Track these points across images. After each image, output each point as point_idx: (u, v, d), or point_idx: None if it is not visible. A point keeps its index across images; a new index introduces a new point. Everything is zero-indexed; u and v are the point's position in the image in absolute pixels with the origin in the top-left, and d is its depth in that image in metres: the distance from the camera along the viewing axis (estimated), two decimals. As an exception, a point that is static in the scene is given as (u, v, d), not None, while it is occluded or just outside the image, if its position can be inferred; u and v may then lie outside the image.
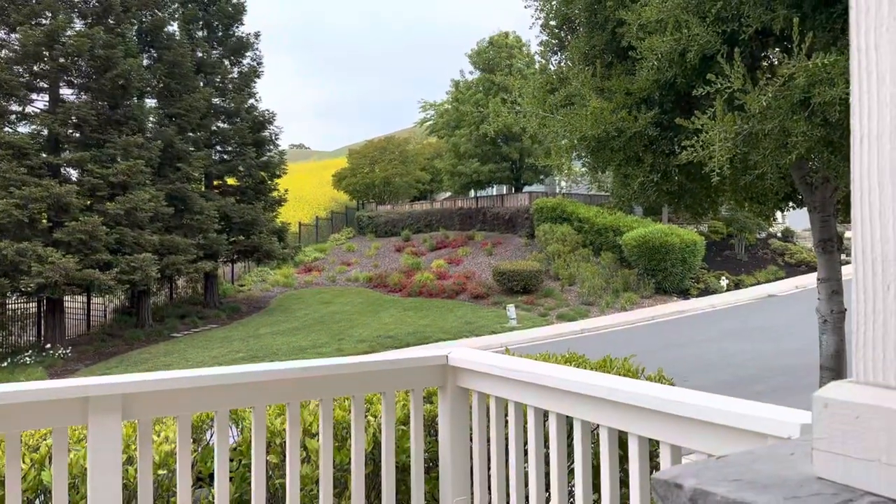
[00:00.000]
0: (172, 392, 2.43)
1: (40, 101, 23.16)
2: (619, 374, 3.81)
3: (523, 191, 36.40)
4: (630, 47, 5.74)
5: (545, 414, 2.55)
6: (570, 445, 2.64)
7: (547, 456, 2.54)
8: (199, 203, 25.76)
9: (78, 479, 2.66)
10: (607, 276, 26.47)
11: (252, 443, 2.57)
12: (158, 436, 3.03)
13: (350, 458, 2.89)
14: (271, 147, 31.08)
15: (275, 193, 31.10)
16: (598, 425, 2.32)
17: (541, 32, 6.64)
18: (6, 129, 21.56)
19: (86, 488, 2.34)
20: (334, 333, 22.58)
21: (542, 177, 36.99)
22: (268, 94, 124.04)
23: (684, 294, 25.90)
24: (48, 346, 21.49)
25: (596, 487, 2.36)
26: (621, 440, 2.29)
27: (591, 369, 3.88)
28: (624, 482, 2.42)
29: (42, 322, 23.28)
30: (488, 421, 2.86)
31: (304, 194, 49.63)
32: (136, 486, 2.47)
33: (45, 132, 22.44)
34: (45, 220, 20.20)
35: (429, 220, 39.02)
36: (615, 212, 29.66)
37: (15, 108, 22.65)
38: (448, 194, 44.25)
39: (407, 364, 2.97)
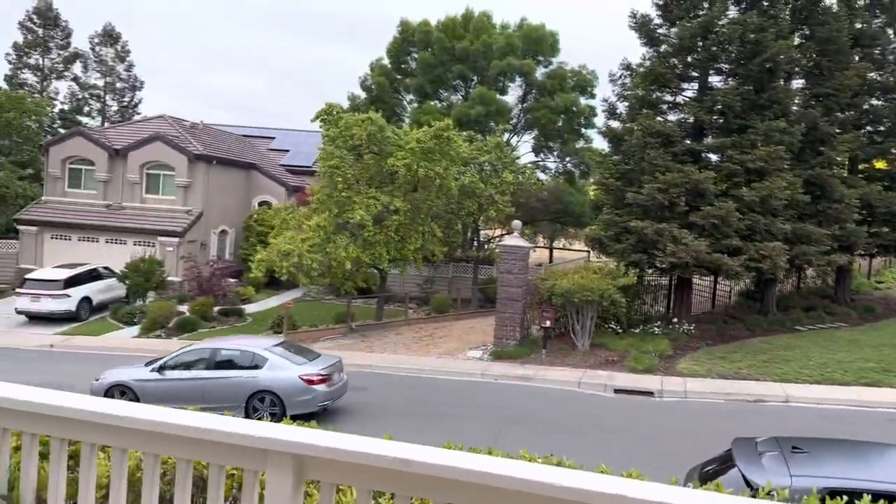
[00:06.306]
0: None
1: (689, 90, 24.66)
2: None
3: None
4: None
5: None
6: None
7: None
8: (839, 190, 23.57)
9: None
10: None
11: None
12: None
13: None
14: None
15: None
16: None
17: None
18: (657, 118, 23.69)
19: None
20: None
21: None
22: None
23: None
24: (674, 320, 23.12)
25: None
26: None
27: None
28: None
29: (671, 297, 25.19)
30: None
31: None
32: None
33: (691, 120, 23.79)
34: (682, 204, 21.52)
35: None
36: None
37: (667, 98, 24.69)
38: None
39: None
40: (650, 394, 17.45)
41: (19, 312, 25.54)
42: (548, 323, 21.01)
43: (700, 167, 22.31)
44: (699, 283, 27.11)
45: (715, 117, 23.45)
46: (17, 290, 25.52)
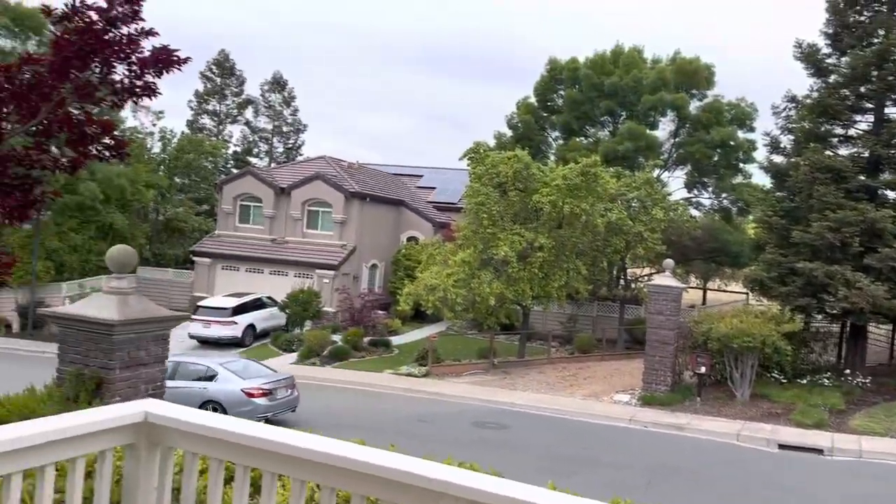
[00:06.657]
0: None
1: (862, 123, 22.82)
2: None
3: None
4: None
5: None
6: None
7: None
8: None
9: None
10: None
11: None
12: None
13: None
14: None
15: None
16: None
17: None
18: (826, 152, 22.05)
19: None
20: None
21: None
22: None
23: None
24: (847, 371, 21.12)
25: None
26: None
27: None
28: None
29: (842, 346, 23.05)
30: None
31: None
32: None
33: (865, 154, 21.97)
34: (855, 245, 19.77)
35: None
36: None
37: (837, 131, 22.99)
38: None
39: None
40: (819, 451, 15.99)
41: (192, 337, 27.78)
42: (703, 369, 19.88)
43: (877, 205, 20.48)
44: (875, 331, 24.69)
45: (893, 152, 21.50)
46: (191, 316, 27.79)
